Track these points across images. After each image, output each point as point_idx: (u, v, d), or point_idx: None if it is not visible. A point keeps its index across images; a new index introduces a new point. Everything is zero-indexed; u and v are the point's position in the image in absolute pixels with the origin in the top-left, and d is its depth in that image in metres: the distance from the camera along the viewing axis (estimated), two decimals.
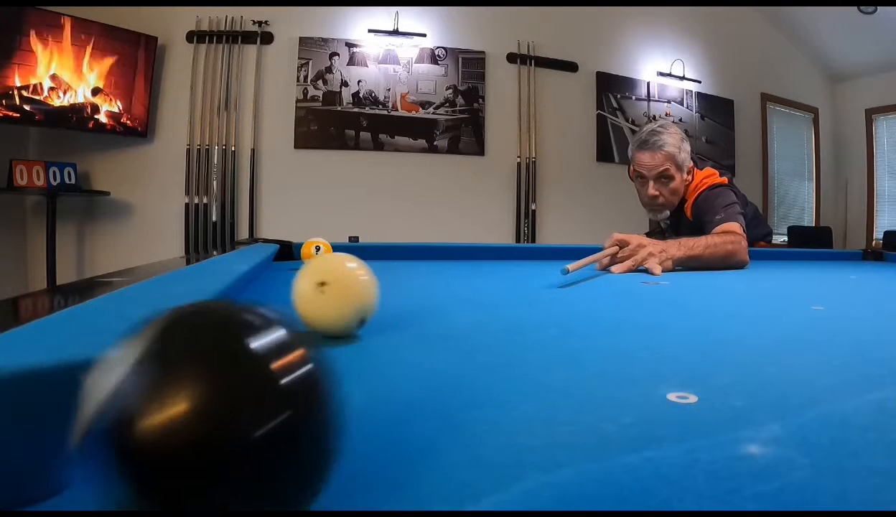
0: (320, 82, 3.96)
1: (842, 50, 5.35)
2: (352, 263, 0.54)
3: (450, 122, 4.19)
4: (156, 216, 3.72)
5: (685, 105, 4.89)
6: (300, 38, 3.93)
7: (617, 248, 1.32)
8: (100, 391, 0.18)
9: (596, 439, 0.28)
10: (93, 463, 0.17)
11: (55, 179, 3.26)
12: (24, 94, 3.10)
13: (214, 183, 3.76)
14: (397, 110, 4.09)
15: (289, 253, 1.54)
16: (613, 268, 1.29)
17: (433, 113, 4.15)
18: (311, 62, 3.94)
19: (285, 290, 0.95)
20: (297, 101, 3.93)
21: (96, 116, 3.37)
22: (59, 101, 3.22)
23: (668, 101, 4.81)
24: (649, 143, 1.75)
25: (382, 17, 4.03)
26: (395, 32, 4.03)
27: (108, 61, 3.37)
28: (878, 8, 4.54)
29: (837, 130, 5.88)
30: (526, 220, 4.32)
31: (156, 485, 0.17)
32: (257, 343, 0.19)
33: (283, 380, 0.19)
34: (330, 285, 0.51)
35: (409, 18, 4.07)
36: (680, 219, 1.85)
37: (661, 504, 0.21)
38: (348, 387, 0.39)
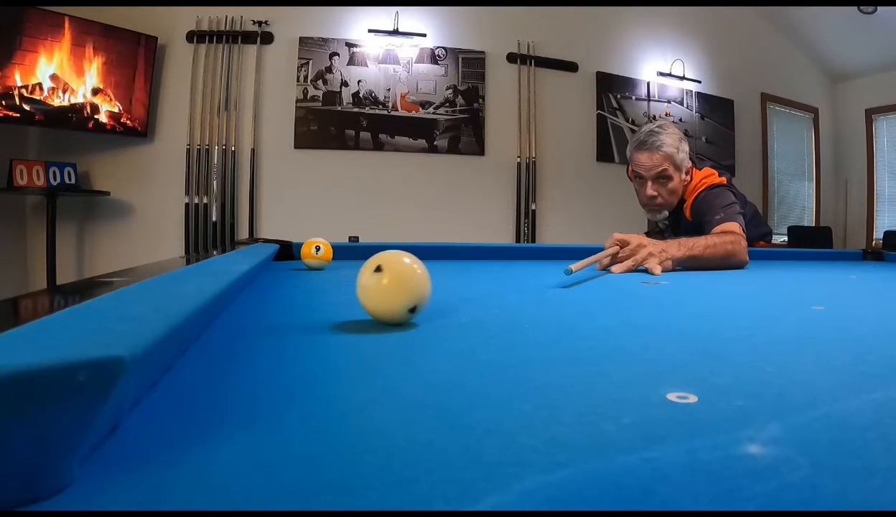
0: (320, 82, 3.96)
1: (842, 50, 5.35)
2: (407, 258, 0.61)
3: (450, 122, 4.19)
4: (156, 216, 3.72)
5: (685, 105, 4.89)
6: (300, 38, 3.93)
7: (617, 247, 1.32)
8: None
9: (596, 439, 0.28)
10: None
11: (55, 179, 3.26)
12: (24, 94, 3.10)
13: (214, 183, 3.76)
14: (397, 110, 4.09)
15: (289, 253, 1.54)
16: (614, 268, 1.29)
17: (433, 113, 4.15)
18: (311, 62, 3.94)
19: (285, 290, 0.96)
20: (297, 101, 3.93)
21: (96, 116, 3.37)
22: (59, 101, 3.22)
23: (668, 101, 4.81)
24: (647, 144, 1.75)
25: (382, 17, 4.03)
26: (395, 32, 4.03)
27: (109, 61, 3.38)
28: (878, 8, 4.54)
29: (837, 130, 5.88)
30: (526, 220, 4.32)
31: None
32: None
33: None
34: (386, 273, 0.58)
35: (409, 18, 4.07)
36: (679, 219, 1.85)
37: (661, 504, 0.21)
38: (348, 387, 0.39)
